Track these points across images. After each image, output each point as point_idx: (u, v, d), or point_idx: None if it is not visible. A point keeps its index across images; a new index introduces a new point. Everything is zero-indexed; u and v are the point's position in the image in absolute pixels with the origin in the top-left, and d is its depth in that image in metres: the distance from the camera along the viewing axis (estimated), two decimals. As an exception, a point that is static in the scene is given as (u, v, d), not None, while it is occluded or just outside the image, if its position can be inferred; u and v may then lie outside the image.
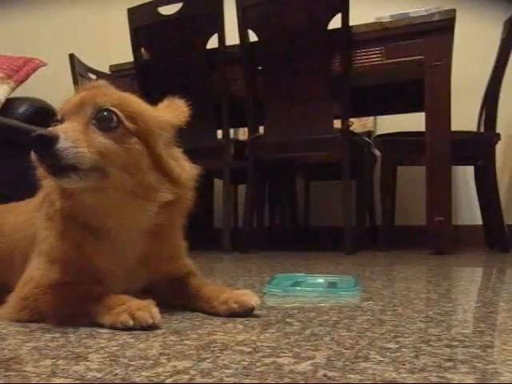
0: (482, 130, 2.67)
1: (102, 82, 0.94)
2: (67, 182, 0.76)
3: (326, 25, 2.32)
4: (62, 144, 0.72)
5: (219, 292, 0.86)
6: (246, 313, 0.82)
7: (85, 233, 0.82)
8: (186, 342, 0.66)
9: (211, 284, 0.94)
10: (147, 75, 2.72)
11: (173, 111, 0.88)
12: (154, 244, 0.86)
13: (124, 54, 2.82)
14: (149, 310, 0.73)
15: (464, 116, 2.65)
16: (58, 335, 0.70)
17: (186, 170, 0.87)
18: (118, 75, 2.86)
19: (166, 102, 0.91)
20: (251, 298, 0.83)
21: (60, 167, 0.73)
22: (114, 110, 0.78)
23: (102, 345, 0.64)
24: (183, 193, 0.86)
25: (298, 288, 1.13)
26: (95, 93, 0.82)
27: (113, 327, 0.72)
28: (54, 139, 0.71)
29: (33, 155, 0.73)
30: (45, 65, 2.84)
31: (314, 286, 1.16)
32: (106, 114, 0.78)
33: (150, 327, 0.72)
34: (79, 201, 0.80)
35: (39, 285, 0.81)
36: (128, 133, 0.79)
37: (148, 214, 0.82)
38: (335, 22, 2.31)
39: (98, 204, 0.80)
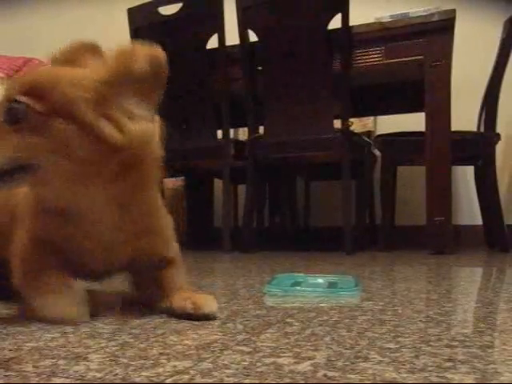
0: (482, 129, 2.66)
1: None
2: None
3: (326, 25, 2.32)
4: None
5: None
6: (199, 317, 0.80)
7: (55, 215, 0.81)
8: (186, 341, 0.66)
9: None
10: (147, 75, 2.71)
11: (118, 62, 0.75)
12: (125, 215, 0.81)
13: (124, 54, 2.82)
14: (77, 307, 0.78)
15: (464, 116, 2.65)
16: (57, 335, 0.70)
17: (129, 130, 0.73)
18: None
19: (112, 52, 0.78)
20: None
21: None
22: (19, 98, 0.72)
23: (102, 345, 0.64)
24: (133, 156, 0.76)
25: (298, 288, 1.13)
26: (8, 85, 0.76)
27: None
28: None
29: None
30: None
31: (314, 286, 1.16)
32: (12, 105, 0.73)
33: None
34: (34, 192, 0.81)
35: (17, 257, 0.84)
36: (41, 116, 0.71)
37: (98, 189, 0.77)
38: (335, 22, 2.31)
39: (48, 193, 0.79)
